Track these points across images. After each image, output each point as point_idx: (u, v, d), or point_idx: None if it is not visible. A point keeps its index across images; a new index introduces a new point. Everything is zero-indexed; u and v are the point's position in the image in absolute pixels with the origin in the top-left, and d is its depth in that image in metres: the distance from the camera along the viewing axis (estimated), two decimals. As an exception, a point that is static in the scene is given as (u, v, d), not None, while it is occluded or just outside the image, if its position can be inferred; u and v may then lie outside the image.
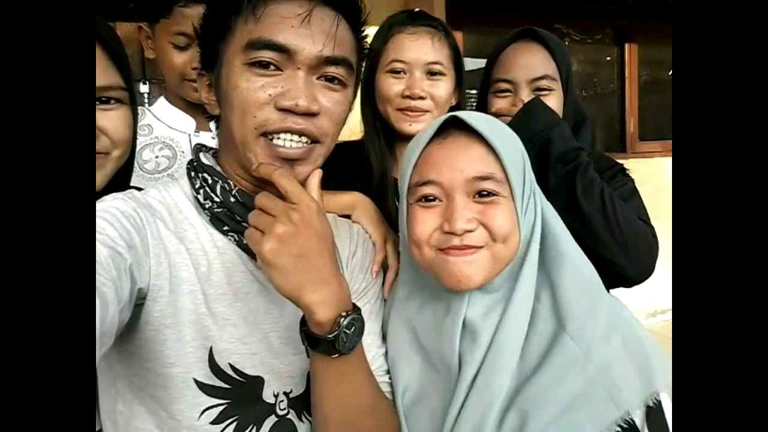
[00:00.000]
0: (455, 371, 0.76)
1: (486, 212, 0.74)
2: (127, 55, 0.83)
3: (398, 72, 1.15)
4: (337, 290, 0.66)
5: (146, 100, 2.83)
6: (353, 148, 1.21)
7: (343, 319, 0.66)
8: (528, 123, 1.06)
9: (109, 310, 0.58)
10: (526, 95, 1.13)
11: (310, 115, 0.70)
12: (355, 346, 0.70)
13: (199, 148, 0.81)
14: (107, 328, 0.58)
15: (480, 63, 1.38)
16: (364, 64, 0.81)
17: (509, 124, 0.86)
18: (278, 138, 0.71)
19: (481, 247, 0.74)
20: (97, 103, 0.79)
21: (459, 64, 1.21)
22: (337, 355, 0.68)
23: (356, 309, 0.69)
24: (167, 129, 1.36)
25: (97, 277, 0.57)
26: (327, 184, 1.14)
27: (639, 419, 0.67)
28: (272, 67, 0.70)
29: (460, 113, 0.77)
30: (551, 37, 1.17)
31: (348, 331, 0.67)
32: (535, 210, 0.79)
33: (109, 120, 0.79)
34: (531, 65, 1.14)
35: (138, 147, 1.06)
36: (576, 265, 0.77)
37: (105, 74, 0.78)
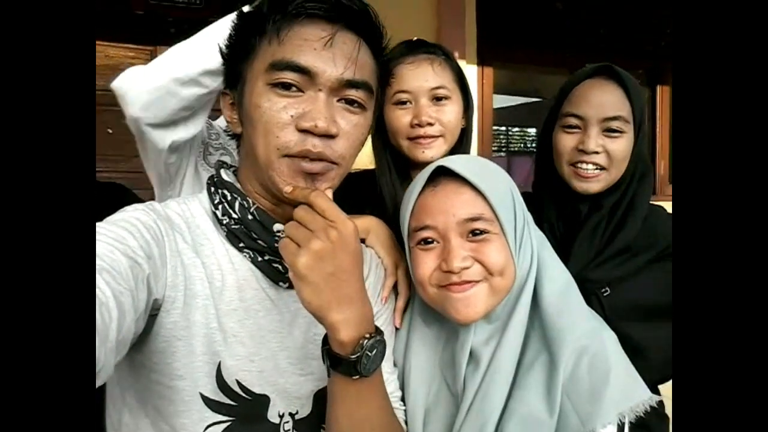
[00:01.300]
0: (461, 395, 0.84)
1: (480, 249, 0.80)
2: None
3: (404, 102, 1.15)
4: (362, 311, 0.67)
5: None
6: (367, 177, 1.22)
7: (366, 340, 0.66)
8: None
9: (125, 319, 0.58)
10: (595, 134, 1.09)
11: (328, 137, 0.71)
12: (376, 369, 0.69)
13: (220, 164, 0.82)
14: (124, 337, 0.58)
15: (510, 100, 1.36)
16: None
17: None
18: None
19: (479, 281, 0.81)
20: None
21: (464, 87, 1.21)
22: (357, 377, 0.68)
23: (379, 332, 0.69)
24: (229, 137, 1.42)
25: (116, 285, 0.58)
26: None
27: None
28: (294, 89, 0.71)
29: (447, 161, 0.84)
30: (629, 77, 1.12)
31: (370, 354, 0.67)
32: (531, 242, 0.86)
33: None
34: (605, 104, 1.10)
35: (210, 151, 1.13)
36: (557, 286, 0.85)
37: None
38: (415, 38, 1.23)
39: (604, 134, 1.09)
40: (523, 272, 0.84)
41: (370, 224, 1.02)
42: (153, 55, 2.89)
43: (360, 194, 1.18)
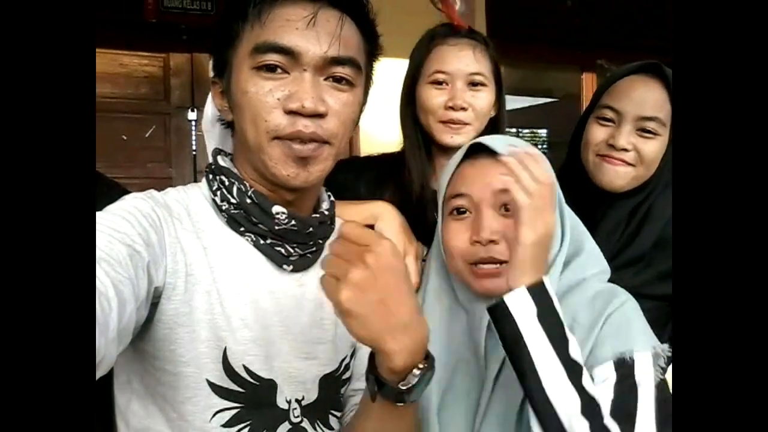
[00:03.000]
0: (483, 368, 0.84)
1: (509, 225, 0.79)
2: None
3: (440, 83, 1.16)
4: (417, 338, 0.64)
5: (193, 127, 2.94)
6: (387, 160, 1.22)
7: (419, 370, 0.64)
8: None
9: (126, 308, 0.58)
10: (628, 131, 1.05)
11: (317, 116, 0.71)
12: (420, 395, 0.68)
13: (217, 151, 0.82)
14: (125, 326, 0.58)
15: (522, 101, 1.36)
16: (375, 64, 0.81)
17: None
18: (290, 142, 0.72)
19: (504, 263, 0.80)
20: None
21: (498, 77, 1.21)
22: (401, 404, 0.66)
23: (429, 357, 0.67)
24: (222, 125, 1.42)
25: (115, 275, 0.58)
26: (362, 195, 1.16)
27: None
28: (279, 71, 0.70)
29: (485, 139, 0.85)
30: None
31: (421, 384, 0.65)
32: (563, 224, 0.86)
33: None
34: (644, 102, 1.06)
35: None
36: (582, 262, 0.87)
37: None
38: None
39: (637, 133, 1.06)
40: (552, 252, 0.83)
41: (379, 210, 1.02)
42: (166, 63, 2.93)
43: (379, 177, 1.19)
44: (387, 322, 0.60)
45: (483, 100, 1.16)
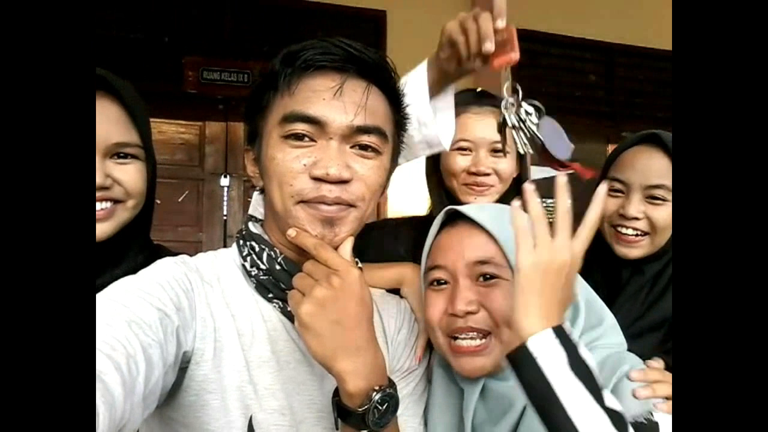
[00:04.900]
0: None
1: (488, 295, 0.78)
2: (146, 113, 0.90)
3: (464, 149, 1.19)
4: (371, 361, 0.66)
5: (225, 193, 3.02)
6: (415, 222, 1.24)
7: (375, 393, 0.65)
8: None
9: (154, 372, 0.58)
10: (637, 200, 1.08)
11: (342, 182, 0.71)
12: (387, 424, 0.67)
13: (249, 217, 0.84)
14: (152, 390, 0.58)
15: (548, 171, 1.38)
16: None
17: None
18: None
19: (487, 334, 0.77)
20: (115, 157, 0.85)
21: None
22: (366, 431, 0.66)
23: (391, 384, 0.68)
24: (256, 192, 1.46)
25: (144, 338, 0.58)
26: (401, 255, 1.17)
27: None
28: (306, 139, 0.72)
29: (461, 207, 0.84)
30: None
31: (380, 407, 0.65)
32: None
33: (125, 173, 0.86)
34: (648, 171, 1.09)
35: None
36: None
37: (123, 132, 0.85)
38: (479, 89, 1.28)
39: (647, 201, 1.09)
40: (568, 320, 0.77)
41: (404, 273, 1.01)
42: (202, 131, 3.06)
43: (417, 238, 1.17)
44: (340, 341, 0.64)
45: (505, 164, 1.19)
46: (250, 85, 2.97)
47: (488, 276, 0.79)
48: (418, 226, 1.23)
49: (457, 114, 1.19)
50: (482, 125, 1.19)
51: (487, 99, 1.24)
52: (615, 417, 0.60)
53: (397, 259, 1.11)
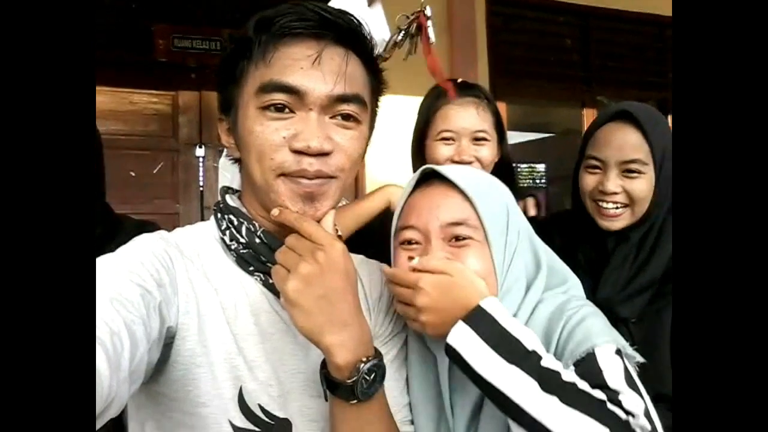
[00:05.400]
0: (452, 427, 0.80)
1: (459, 255, 0.78)
2: None
3: (447, 139, 1.29)
4: (358, 334, 0.67)
5: (201, 163, 2.98)
6: None
7: (363, 364, 0.66)
8: None
9: (138, 348, 0.58)
10: (614, 176, 1.13)
11: (323, 154, 0.71)
12: (375, 394, 0.69)
13: (225, 190, 0.83)
14: (137, 366, 0.59)
15: (523, 136, 1.50)
16: (379, 100, 0.82)
17: None
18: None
19: None
20: None
21: (500, 127, 1.35)
22: (355, 402, 0.67)
23: (378, 354, 0.69)
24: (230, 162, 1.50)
25: (127, 314, 0.58)
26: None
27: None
28: (286, 110, 0.70)
29: (437, 166, 0.84)
30: (649, 118, 1.13)
31: (368, 377, 0.66)
32: (528, 260, 0.84)
33: None
34: (622, 147, 1.13)
35: None
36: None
37: None
38: (460, 79, 1.37)
39: (623, 175, 1.13)
40: (507, 288, 0.80)
41: (389, 192, 1.13)
42: (174, 101, 2.99)
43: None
44: (327, 316, 0.65)
45: (486, 152, 1.30)
46: (222, 53, 2.89)
47: (461, 237, 0.79)
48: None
49: (441, 105, 1.31)
50: (464, 115, 1.29)
51: (467, 89, 1.32)
52: (545, 375, 0.67)
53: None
